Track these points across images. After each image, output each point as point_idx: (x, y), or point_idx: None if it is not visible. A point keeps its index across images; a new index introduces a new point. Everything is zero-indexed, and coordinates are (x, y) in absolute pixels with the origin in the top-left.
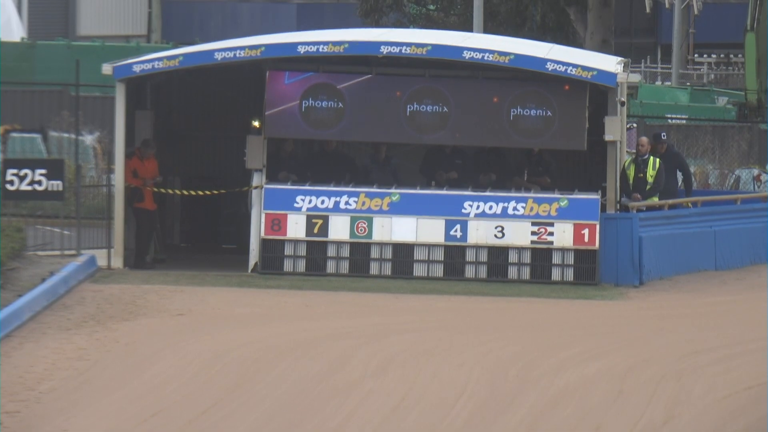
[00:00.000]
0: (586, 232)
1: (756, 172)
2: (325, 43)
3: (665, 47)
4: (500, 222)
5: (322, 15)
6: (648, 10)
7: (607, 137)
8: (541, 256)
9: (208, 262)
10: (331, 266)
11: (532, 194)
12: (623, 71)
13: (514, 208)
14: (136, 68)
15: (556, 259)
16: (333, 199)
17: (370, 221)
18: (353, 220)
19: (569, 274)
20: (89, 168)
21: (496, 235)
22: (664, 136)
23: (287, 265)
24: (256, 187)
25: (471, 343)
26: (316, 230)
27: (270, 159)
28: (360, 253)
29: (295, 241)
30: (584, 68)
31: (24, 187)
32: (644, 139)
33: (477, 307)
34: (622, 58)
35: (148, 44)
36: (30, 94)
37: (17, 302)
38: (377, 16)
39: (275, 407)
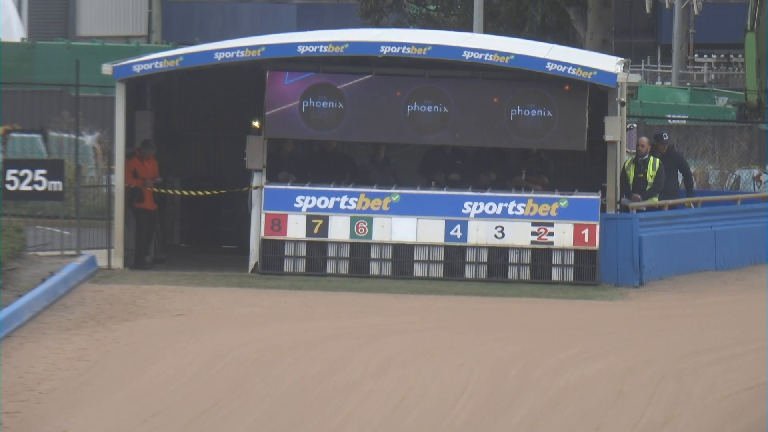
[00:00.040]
0: (586, 232)
1: (756, 172)
2: (325, 44)
3: (665, 47)
4: (500, 222)
5: (322, 15)
6: (648, 10)
7: (607, 137)
8: (541, 257)
9: (208, 262)
10: (331, 266)
11: (532, 194)
12: (623, 71)
13: (514, 209)
14: (136, 68)
15: (556, 259)
16: (333, 199)
17: (370, 221)
18: (353, 221)
19: (569, 275)
20: (89, 168)
21: (496, 236)
22: (665, 136)
23: (287, 266)
24: (256, 188)
25: (471, 344)
26: (316, 230)
27: (270, 159)
28: (360, 253)
29: (295, 242)
30: (584, 68)
31: (24, 187)
32: (644, 139)
33: (477, 308)
34: (622, 59)
35: (148, 44)
36: (30, 94)
37: (17, 302)
38: (377, 16)
39: (275, 407)
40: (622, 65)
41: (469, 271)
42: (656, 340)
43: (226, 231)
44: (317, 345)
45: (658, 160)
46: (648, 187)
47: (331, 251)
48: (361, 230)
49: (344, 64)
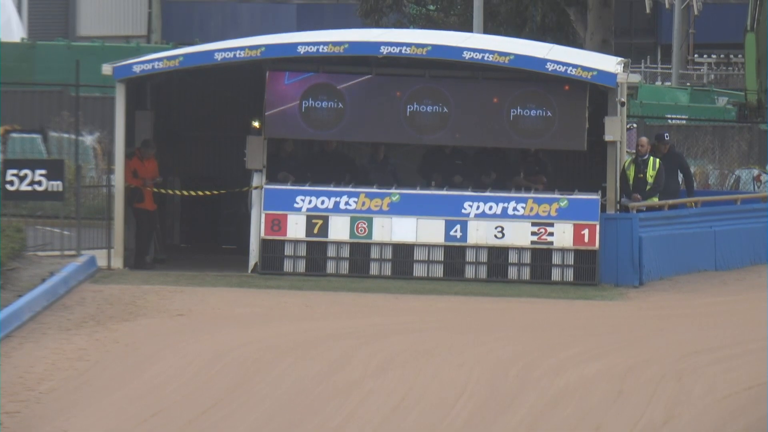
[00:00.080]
0: (586, 232)
1: (756, 172)
2: (325, 44)
3: (665, 47)
4: (500, 222)
5: (322, 15)
6: (648, 11)
7: (607, 137)
8: (541, 257)
9: (208, 262)
10: (331, 266)
11: (531, 194)
12: (623, 71)
13: (514, 209)
14: (136, 68)
15: (556, 259)
16: (333, 199)
17: (370, 221)
18: (353, 221)
19: (569, 275)
20: (89, 168)
21: (496, 236)
22: (667, 136)
23: (287, 266)
24: (256, 188)
25: (471, 344)
26: (316, 230)
27: (270, 159)
28: (360, 253)
29: (295, 242)
30: (584, 68)
31: (24, 187)
32: (644, 140)
33: (477, 308)
34: (622, 59)
35: (148, 45)
36: (30, 94)
37: (17, 302)
38: (377, 16)
39: (275, 407)
40: (622, 65)
41: (469, 271)
42: (656, 340)
43: (226, 231)
44: (317, 345)
45: (658, 160)
46: (648, 187)
47: (331, 251)
48: (361, 230)
49: (344, 64)
